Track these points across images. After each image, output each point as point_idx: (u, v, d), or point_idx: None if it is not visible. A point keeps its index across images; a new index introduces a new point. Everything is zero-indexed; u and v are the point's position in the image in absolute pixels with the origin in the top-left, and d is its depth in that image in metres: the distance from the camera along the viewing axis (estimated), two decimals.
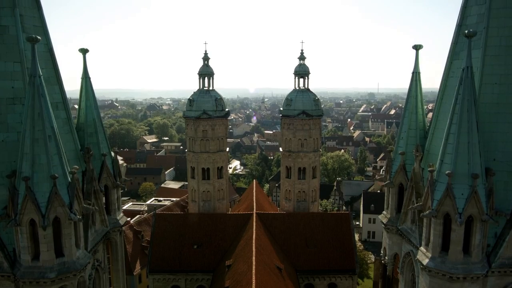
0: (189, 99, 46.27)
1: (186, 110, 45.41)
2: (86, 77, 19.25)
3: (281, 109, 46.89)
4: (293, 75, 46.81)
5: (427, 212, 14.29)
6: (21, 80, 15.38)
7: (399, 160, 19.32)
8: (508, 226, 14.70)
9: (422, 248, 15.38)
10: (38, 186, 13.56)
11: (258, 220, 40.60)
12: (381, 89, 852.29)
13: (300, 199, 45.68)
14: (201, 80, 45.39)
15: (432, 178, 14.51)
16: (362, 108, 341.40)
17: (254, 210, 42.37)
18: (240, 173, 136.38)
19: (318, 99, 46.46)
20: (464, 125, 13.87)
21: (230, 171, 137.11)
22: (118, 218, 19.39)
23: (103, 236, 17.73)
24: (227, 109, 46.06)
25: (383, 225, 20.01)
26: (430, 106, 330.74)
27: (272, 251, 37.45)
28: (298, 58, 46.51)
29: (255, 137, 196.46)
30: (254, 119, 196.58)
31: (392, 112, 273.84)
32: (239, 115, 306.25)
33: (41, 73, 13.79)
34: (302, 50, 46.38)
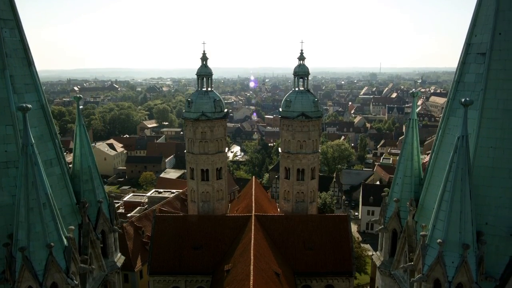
0: (187, 100, 46.09)
1: (185, 111, 45.22)
2: (80, 125, 19.06)
3: (280, 110, 46.71)
4: (293, 76, 46.56)
5: (417, 277, 14.40)
6: (14, 143, 15.19)
7: (393, 207, 19.39)
8: None
9: None
10: (34, 255, 13.70)
11: (257, 222, 40.97)
12: (383, 68, 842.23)
13: (298, 199, 46.05)
14: (199, 80, 44.99)
15: (424, 242, 14.60)
16: (363, 91, 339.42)
17: (253, 211, 42.68)
18: (241, 160, 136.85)
19: (317, 100, 46.17)
20: (457, 194, 13.86)
21: (230, 157, 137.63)
22: (115, 260, 19.58)
23: (101, 281, 18.01)
24: (225, 110, 45.86)
25: (377, 267, 20.32)
26: (432, 88, 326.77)
27: (270, 255, 37.96)
28: (297, 58, 45.98)
29: (255, 120, 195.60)
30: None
31: (394, 95, 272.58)
32: (240, 97, 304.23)
33: (33, 141, 13.66)
34: (302, 50, 45.80)
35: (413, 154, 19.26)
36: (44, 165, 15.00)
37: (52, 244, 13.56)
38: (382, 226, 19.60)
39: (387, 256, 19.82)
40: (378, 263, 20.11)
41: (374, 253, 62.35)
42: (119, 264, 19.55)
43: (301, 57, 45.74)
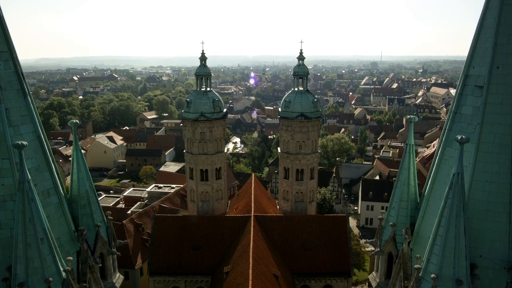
0: (186, 100, 45.93)
1: (184, 112, 45.11)
2: (77, 150, 19.05)
3: (280, 110, 46.62)
4: (292, 76, 46.38)
5: None
6: (11, 176, 15.14)
7: (389, 230, 19.53)
8: None
9: None
10: None
11: (256, 223, 41.22)
12: (384, 57, 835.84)
13: (298, 199, 46.25)
14: (198, 80, 44.79)
15: (418, 275, 14.70)
16: (364, 81, 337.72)
17: (252, 212, 42.91)
18: (241, 152, 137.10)
19: (317, 101, 45.99)
20: (451, 230, 13.89)
21: (231, 149, 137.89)
22: (114, 281, 19.80)
23: None
24: (225, 110, 45.75)
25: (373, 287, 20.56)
26: (433, 78, 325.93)
27: (269, 257, 38.27)
28: (297, 58, 45.74)
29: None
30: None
31: (395, 86, 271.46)
32: (240, 87, 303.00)
33: (29, 177, 13.69)
34: (301, 50, 45.44)
35: (410, 179, 19.37)
36: (41, 195, 15.05)
37: (50, 279, 13.73)
38: (378, 249, 19.81)
39: (382, 278, 20.04)
40: (374, 284, 20.36)
41: (372, 249, 62.62)
42: (118, 284, 19.81)
43: (301, 57, 45.46)
